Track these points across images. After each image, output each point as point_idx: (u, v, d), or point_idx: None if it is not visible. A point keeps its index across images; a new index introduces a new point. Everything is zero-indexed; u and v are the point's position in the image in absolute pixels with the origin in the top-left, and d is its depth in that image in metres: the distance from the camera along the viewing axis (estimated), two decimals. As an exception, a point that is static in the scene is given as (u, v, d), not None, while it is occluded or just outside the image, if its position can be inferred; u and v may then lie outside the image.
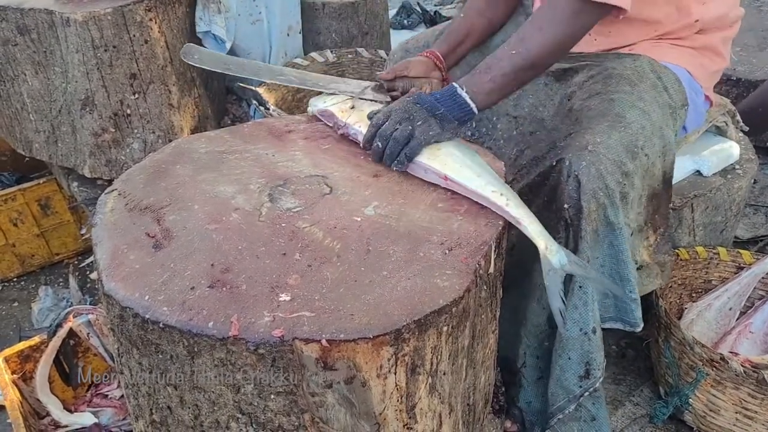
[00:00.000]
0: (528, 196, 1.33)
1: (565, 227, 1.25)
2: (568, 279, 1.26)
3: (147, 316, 0.90)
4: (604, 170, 1.20)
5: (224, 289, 0.94)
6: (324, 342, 0.86)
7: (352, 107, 1.36)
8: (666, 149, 1.34)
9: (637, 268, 1.39)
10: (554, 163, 1.25)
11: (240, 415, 0.95)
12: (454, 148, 1.21)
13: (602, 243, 1.24)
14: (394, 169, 1.20)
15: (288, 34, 2.55)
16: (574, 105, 1.37)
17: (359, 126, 1.30)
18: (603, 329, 1.40)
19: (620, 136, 1.25)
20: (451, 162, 1.17)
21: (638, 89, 1.33)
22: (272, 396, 0.92)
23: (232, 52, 2.37)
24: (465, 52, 1.56)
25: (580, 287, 1.23)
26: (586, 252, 1.23)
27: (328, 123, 1.40)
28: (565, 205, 1.23)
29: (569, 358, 1.28)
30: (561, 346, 1.29)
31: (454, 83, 1.25)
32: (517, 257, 1.33)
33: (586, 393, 1.30)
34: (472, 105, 1.22)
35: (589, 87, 1.38)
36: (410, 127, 1.18)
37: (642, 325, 1.31)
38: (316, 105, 1.42)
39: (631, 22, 1.40)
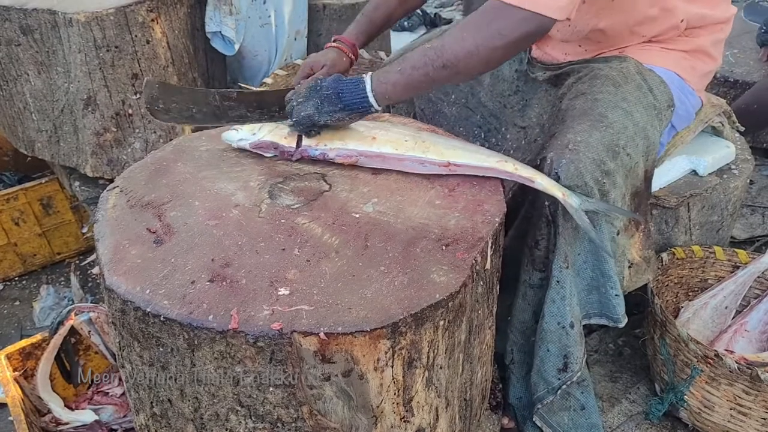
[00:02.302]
0: (520, 197, 1.35)
1: (546, 224, 1.28)
2: (545, 277, 1.31)
3: (148, 310, 0.92)
4: (583, 168, 1.22)
5: (224, 283, 0.95)
6: (322, 335, 0.88)
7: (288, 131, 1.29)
8: (650, 150, 1.36)
9: (629, 266, 1.41)
10: (539, 162, 1.27)
11: (239, 408, 0.96)
12: (436, 137, 1.26)
13: (583, 239, 1.27)
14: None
15: (295, 39, 2.58)
16: (562, 105, 1.39)
17: (325, 145, 1.26)
18: (600, 328, 1.42)
19: (601, 136, 1.27)
20: (445, 149, 1.22)
21: (622, 90, 1.35)
22: (271, 388, 0.93)
23: (238, 52, 2.39)
24: (377, 36, 1.60)
25: (558, 282, 1.27)
26: (564, 248, 1.26)
27: (266, 154, 1.29)
28: (546, 202, 1.26)
29: (548, 350, 1.31)
30: (541, 338, 1.32)
31: (370, 72, 1.24)
32: (503, 255, 1.35)
33: (564, 386, 1.32)
34: (370, 95, 1.21)
35: (576, 88, 1.40)
36: (294, 104, 1.23)
37: (625, 321, 1.33)
38: (244, 138, 1.29)
39: (617, 31, 1.42)
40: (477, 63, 1.18)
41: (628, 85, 1.36)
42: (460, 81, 1.55)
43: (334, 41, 1.50)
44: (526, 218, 1.34)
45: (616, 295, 1.30)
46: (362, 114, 1.24)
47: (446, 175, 1.23)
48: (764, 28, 2.68)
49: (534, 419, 1.39)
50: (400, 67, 1.21)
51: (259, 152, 1.29)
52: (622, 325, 1.33)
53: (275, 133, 1.28)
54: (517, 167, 1.20)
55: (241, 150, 1.31)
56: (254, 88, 2.23)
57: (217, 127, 1.38)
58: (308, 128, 1.24)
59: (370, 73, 1.23)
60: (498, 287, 1.23)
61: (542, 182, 1.19)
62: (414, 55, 1.21)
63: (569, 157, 1.23)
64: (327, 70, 1.43)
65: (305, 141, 1.26)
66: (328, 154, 1.25)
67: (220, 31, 2.28)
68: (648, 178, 1.41)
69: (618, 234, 1.32)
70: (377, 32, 1.57)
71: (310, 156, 1.27)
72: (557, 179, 1.22)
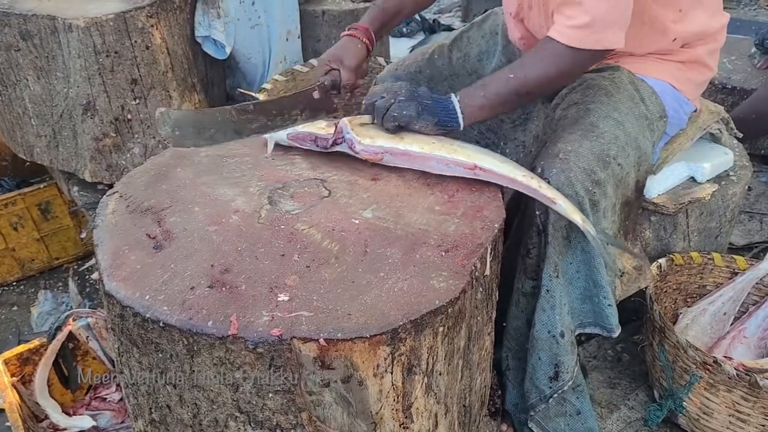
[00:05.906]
0: (514, 210, 1.35)
1: (537, 233, 1.28)
2: (537, 285, 1.31)
3: (147, 316, 0.91)
4: (574, 177, 1.23)
5: (224, 289, 0.95)
6: (322, 341, 0.88)
7: (325, 123, 1.33)
8: (641, 160, 1.37)
9: (620, 276, 1.41)
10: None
11: (238, 414, 0.96)
12: (462, 142, 1.28)
13: (575, 249, 1.27)
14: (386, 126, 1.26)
15: (287, 39, 2.57)
16: (555, 115, 1.40)
17: (356, 134, 1.26)
18: (598, 334, 1.42)
19: (591, 145, 1.28)
20: (472, 153, 1.23)
21: (614, 100, 1.35)
22: (270, 395, 0.93)
23: (232, 56, 2.39)
24: (391, 28, 1.65)
25: (548, 291, 1.27)
26: (554, 257, 1.26)
27: (302, 145, 1.32)
28: (537, 212, 1.26)
29: (539, 359, 1.32)
30: (532, 346, 1.32)
31: (453, 93, 1.29)
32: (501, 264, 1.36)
33: (556, 394, 1.33)
34: (460, 116, 1.27)
35: (569, 97, 1.41)
36: (392, 101, 1.25)
37: (618, 330, 1.33)
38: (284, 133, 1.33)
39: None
40: (553, 87, 1.38)
41: (620, 95, 1.37)
42: (525, 104, 1.62)
43: (348, 30, 1.52)
44: (520, 227, 1.35)
45: (609, 305, 1.31)
46: (448, 131, 1.29)
47: (446, 182, 1.23)
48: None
49: (530, 425, 1.39)
50: (484, 93, 1.28)
51: (294, 144, 1.32)
52: (615, 335, 1.33)
53: (311, 126, 1.31)
54: (541, 185, 1.20)
55: (278, 145, 1.33)
56: (255, 94, 2.23)
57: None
58: (400, 127, 1.26)
59: (454, 94, 1.29)
60: (497, 294, 1.23)
61: (564, 205, 1.19)
62: (497, 82, 1.29)
63: (559, 166, 1.24)
64: (346, 62, 1.44)
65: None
66: (356, 146, 1.26)
67: (211, 35, 2.27)
68: (639, 188, 1.41)
69: (608, 244, 1.33)
70: (390, 21, 1.60)
71: (344, 137, 1.28)
72: None
